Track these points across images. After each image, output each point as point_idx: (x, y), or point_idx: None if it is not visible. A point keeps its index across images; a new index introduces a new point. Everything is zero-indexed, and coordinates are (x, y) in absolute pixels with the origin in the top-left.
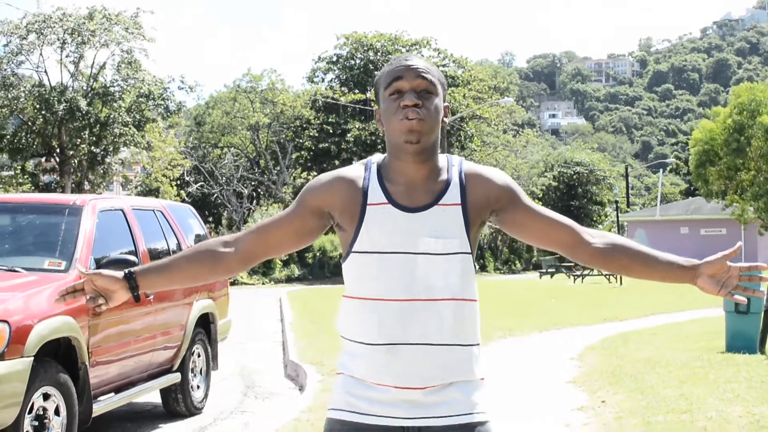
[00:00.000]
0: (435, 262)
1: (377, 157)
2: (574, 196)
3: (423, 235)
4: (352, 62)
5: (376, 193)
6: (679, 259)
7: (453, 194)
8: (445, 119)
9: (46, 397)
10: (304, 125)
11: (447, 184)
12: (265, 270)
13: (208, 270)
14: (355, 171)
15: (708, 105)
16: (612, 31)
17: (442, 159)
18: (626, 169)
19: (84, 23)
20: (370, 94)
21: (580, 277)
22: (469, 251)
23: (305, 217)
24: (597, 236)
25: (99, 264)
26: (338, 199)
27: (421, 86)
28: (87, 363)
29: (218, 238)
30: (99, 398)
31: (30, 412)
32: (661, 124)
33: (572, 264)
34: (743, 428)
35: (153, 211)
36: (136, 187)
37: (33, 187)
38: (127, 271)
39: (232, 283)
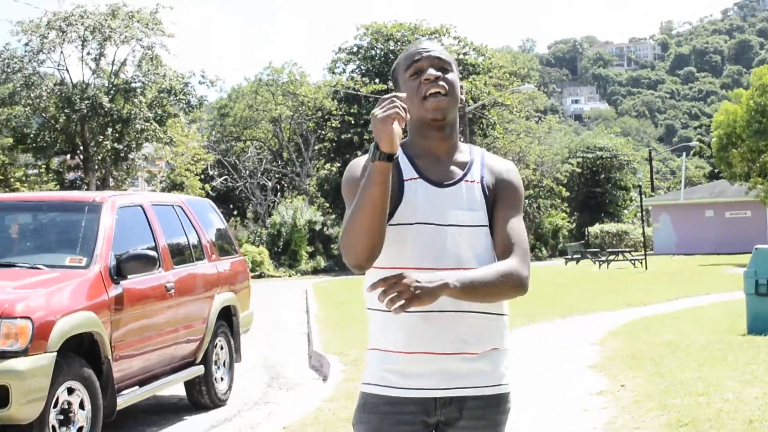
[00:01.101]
0: (463, 233)
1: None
2: (598, 182)
3: (452, 207)
4: (373, 53)
5: (408, 170)
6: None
7: (474, 172)
8: (462, 96)
9: (70, 391)
10: (326, 116)
11: (470, 162)
12: (291, 262)
13: (379, 243)
14: None
15: (731, 87)
16: (633, 15)
17: (464, 145)
18: (650, 153)
19: (106, 20)
20: (391, 84)
21: (606, 263)
22: (488, 225)
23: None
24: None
25: (119, 259)
26: None
27: (439, 64)
28: (110, 357)
29: None
30: (123, 392)
31: (55, 406)
32: (684, 107)
33: (598, 250)
34: (759, 409)
35: (172, 206)
36: (160, 183)
37: (58, 185)
38: None
39: (259, 276)
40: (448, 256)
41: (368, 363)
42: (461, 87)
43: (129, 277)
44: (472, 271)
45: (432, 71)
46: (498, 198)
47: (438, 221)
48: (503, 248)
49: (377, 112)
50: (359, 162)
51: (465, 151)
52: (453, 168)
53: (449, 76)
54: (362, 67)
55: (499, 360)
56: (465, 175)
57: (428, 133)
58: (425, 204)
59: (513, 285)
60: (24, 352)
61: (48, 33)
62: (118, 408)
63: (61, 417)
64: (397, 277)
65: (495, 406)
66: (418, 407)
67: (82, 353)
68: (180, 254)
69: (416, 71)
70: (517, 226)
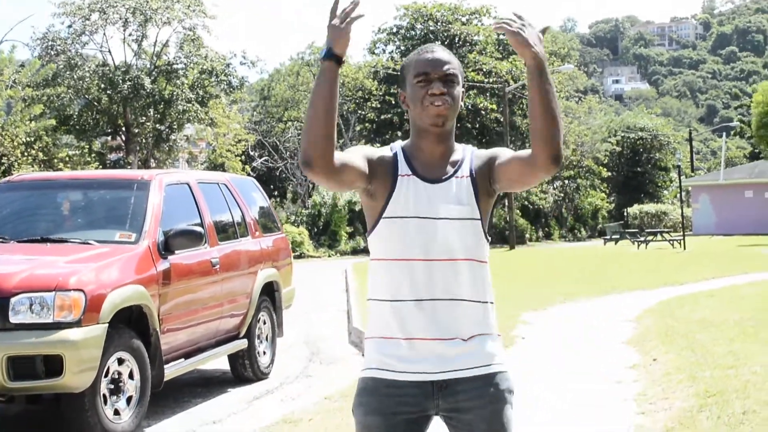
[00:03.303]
0: (454, 225)
1: (398, 143)
2: (637, 162)
3: (443, 202)
4: (413, 33)
5: (403, 167)
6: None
7: (464, 168)
8: (461, 104)
9: (120, 361)
10: (366, 96)
11: (461, 160)
12: (330, 242)
13: (326, 133)
14: (384, 150)
15: None
16: None
17: (458, 145)
18: (690, 133)
19: (146, 1)
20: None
21: (644, 243)
22: (479, 218)
23: (362, 158)
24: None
25: (167, 235)
26: (379, 167)
27: (446, 78)
28: (158, 329)
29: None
30: (170, 363)
31: (106, 375)
32: (726, 87)
33: (636, 230)
34: None
35: (217, 184)
36: (201, 163)
37: (100, 166)
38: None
39: (299, 256)
40: (439, 247)
41: (367, 351)
42: (463, 92)
43: (176, 252)
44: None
45: (439, 86)
46: (492, 170)
47: (430, 215)
48: (525, 153)
49: (336, 22)
50: (379, 150)
51: (459, 151)
52: (445, 166)
53: (455, 90)
54: (402, 47)
55: (487, 343)
56: (456, 171)
57: (426, 137)
58: (418, 199)
59: (560, 129)
60: (77, 323)
61: (90, 15)
62: (165, 379)
63: (112, 386)
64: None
65: (490, 384)
66: (417, 390)
67: (131, 325)
68: (225, 231)
69: (423, 80)
70: (508, 154)
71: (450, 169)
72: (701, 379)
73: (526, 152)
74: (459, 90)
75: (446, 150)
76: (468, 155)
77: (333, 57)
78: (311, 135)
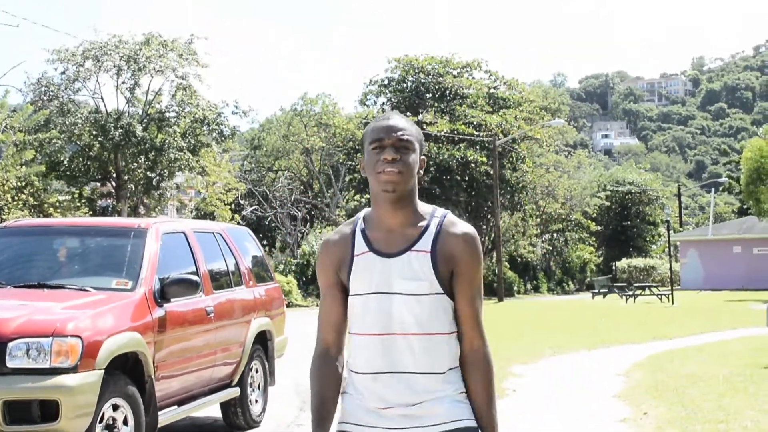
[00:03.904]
0: (408, 302)
1: (365, 211)
2: (626, 216)
3: (398, 277)
4: (404, 85)
5: (360, 245)
6: (479, 411)
7: (425, 242)
8: (420, 171)
9: (115, 407)
10: (357, 147)
11: (423, 231)
12: (319, 292)
13: (336, 384)
14: (342, 231)
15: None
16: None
17: (426, 207)
18: (679, 188)
19: (140, 50)
20: (422, 116)
21: (632, 297)
22: (442, 292)
23: (339, 287)
24: (471, 350)
25: (163, 283)
26: (336, 259)
27: (399, 144)
28: (153, 376)
29: (319, 353)
30: (163, 410)
31: (101, 421)
32: (714, 143)
33: (625, 284)
34: None
35: (213, 233)
36: (191, 211)
37: (90, 212)
38: None
39: (287, 305)
40: (394, 323)
41: (343, 404)
42: (423, 159)
43: (172, 300)
44: (490, 411)
45: (391, 152)
46: (455, 271)
47: (384, 290)
48: (468, 326)
49: None
50: (331, 240)
51: (424, 218)
52: (403, 238)
53: (408, 157)
54: (393, 99)
55: (452, 403)
56: (414, 244)
57: (382, 204)
58: (374, 274)
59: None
60: (74, 369)
61: (84, 62)
62: (158, 426)
63: None
64: None
65: None
66: None
67: (127, 372)
68: (219, 279)
69: (377, 146)
70: (472, 306)
71: (408, 241)
72: None
73: (462, 330)
74: (414, 157)
75: (405, 218)
76: (434, 227)
77: None
78: None
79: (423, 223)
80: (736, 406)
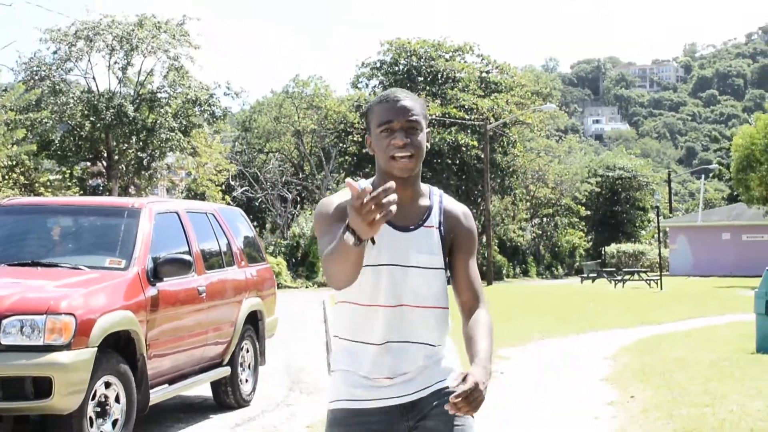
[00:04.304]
0: (424, 274)
1: (365, 182)
2: (616, 201)
3: (414, 251)
4: (396, 68)
5: None
6: (477, 356)
7: (433, 218)
8: (427, 145)
9: (107, 385)
10: (348, 130)
11: (429, 208)
12: (308, 274)
13: (355, 275)
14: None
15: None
16: (656, 37)
17: (424, 187)
18: (669, 174)
19: (133, 30)
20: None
21: (621, 282)
22: (444, 267)
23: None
24: (472, 311)
25: (156, 262)
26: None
27: (409, 125)
28: (145, 355)
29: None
30: (155, 388)
31: (93, 398)
32: (705, 130)
33: (614, 269)
34: (762, 420)
35: (205, 213)
36: (182, 192)
37: (81, 191)
38: None
39: (277, 287)
40: (408, 294)
41: (333, 384)
42: (428, 133)
43: (164, 279)
44: (484, 348)
45: (401, 136)
46: (456, 243)
47: (402, 262)
48: (468, 292)
49: (366, 215)
50: (331, 201)
51: (425, 195)
52: (413, 213)
53: (418, 137)
54: (385, 82)
55: (442, 360)
56: (425, 220)
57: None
58: (390, 247)
59: (477, 325)
60: (67, 347)
61: (76, 42)
62: (150, 403)
63: (98, 409)
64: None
65: (450, 394)
66: (385, 416)
67: (119, 350)
68: (211, 259)
69: (387, 129)
70: (475, 271)
71: (419, 217)
72: (678, 417)
73: (467, 298)
74: (423, 135)
75: (413, 194)
76: (436, 205)
77: (361, 243)
78: (343, 283)
79: (426, 200)
80: (722, 390)
